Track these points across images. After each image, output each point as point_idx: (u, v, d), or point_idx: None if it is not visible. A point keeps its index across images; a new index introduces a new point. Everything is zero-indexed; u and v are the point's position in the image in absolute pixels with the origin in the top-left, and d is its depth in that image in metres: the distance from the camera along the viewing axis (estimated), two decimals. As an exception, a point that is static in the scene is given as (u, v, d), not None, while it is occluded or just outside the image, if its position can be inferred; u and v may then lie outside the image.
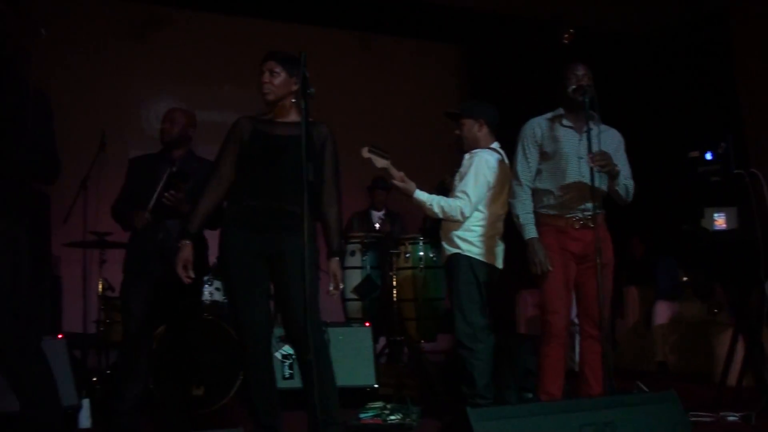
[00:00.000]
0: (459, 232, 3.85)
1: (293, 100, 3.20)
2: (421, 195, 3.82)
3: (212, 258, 4.07)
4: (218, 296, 4.85)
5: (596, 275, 3.35)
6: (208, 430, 2.37)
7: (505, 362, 3.99)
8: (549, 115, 3.66)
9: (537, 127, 3.63)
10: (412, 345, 5.10)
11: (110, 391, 4.79)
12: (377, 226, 6.08)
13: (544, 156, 3.59)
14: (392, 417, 4.00)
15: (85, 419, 4.14)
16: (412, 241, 5.17)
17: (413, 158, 5.63)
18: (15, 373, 2.62)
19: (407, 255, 5.13)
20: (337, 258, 3.24)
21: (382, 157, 3.75)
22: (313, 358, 2.80)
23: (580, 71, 3.54)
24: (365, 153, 3.72)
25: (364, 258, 5.01)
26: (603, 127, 3.59)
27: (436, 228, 4.07)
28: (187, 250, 3.17)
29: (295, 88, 3.16)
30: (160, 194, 3.71)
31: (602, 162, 3.35)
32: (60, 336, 4.32)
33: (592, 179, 3.38)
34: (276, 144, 3.11)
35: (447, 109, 4.16)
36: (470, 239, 3.84)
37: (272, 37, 7.39)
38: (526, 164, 3.61)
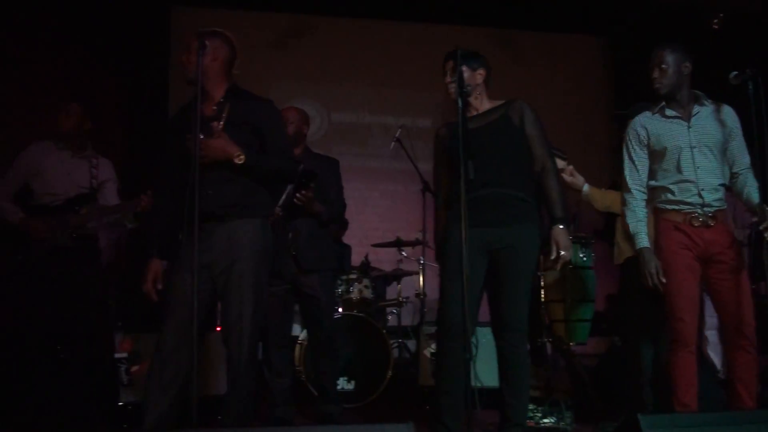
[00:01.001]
0: None
1: (479, 93, 3.26)
2: (590, 189, 3.75)
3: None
4: (367, 293, 4.95)
5: (729, 280, 3.18)
6: (376, 423, 2.39)
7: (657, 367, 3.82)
8: (651, 110, 3.42)
9: (640, 127, 3.39)
10: (562, 347, 4.97)
11: (262, 383, 5.02)
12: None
13: (654, 155, 3.36)
14: (545, 420, 3.93)
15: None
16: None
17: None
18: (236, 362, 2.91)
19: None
20: (560, 226, 3.12)
21: (561, 158, 3.71)
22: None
23: (654, 59, 3.32)
24: None
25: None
26: (713, 105, 3.33)
27: (611, 227, 3.95)
28: None
29: (480, 81, 3.24)
30: (291, 194, 3.82)
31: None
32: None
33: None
34: (476, 136, 3.12)
35: (593, 104, 4.07)
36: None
37: (409, 39, 7.46)
38: (635, 170, 3.39)
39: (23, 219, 3.84)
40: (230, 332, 2.92)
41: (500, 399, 3.13)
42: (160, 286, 2.95)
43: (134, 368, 4.13)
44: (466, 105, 3.18)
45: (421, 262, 5.32)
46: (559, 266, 3.14)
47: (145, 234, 3.19)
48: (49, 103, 5.73)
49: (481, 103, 3.28)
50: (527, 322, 3.13)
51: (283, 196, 3.88)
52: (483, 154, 3.02)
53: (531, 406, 4.15)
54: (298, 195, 3.73)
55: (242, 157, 2.88)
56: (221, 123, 2.96)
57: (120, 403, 4.12)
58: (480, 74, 3.24)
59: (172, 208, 2.98)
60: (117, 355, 4.14)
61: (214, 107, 3.02)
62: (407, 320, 5.67)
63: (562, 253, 3.09)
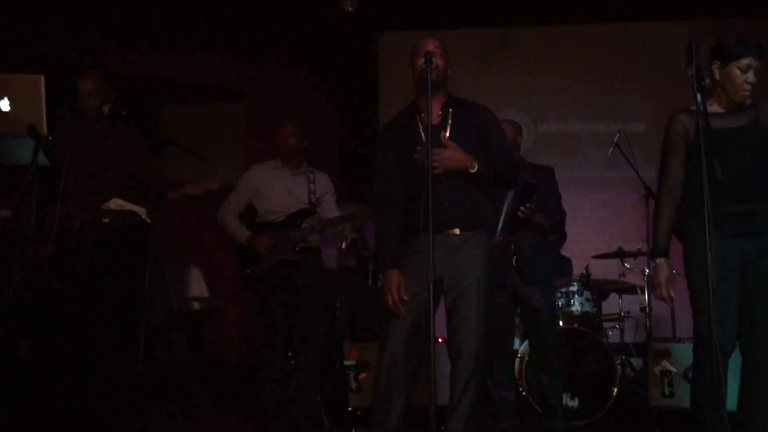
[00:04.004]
0: None
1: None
2: None
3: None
4: (588, 307, 4.78)
5: None
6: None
7: None
8: None
9: None
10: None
11: (485, 395, 5.01)
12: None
13: None
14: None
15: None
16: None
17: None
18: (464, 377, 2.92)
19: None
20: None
21: None
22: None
23: None
24: None
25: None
26: None
27: None
28: (664, 269, 3.00)
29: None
30: (514, 207, 3.74)
31: None
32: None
33: None
34: (725, 138, 2.84)
35: None
36: None
37: (613, 41, 7.12)
38: None
39: (250, 236, 4.09)
40: (461, 347, 2.89)
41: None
42: (405, 297, 2.89)
43: (362, 376, 4.30)
44: (704, 99, 2.89)
45: (646, 273, 5.03)
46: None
47: (378, 247, 3.18)
48: (271, 125, 6.20)
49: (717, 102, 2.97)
50: None
51: (504, 210, 3.85)
52: (736, 160, 2.77)
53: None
54: (521, 208, 3.67)
55: (476, 165, 2.86)
56: (447, 132, 2.96)
57: (349, 408, 4.32)
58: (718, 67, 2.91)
59: (396, 219, 3.00)
60: (346, 363, 4.32)
61: (440, 113, 3.01)
62: (628, 336, 5.39)
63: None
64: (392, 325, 2.92)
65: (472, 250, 2.92)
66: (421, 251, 2.80)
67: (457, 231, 2.93)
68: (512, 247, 3.84)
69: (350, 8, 5.64)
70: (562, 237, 4.43)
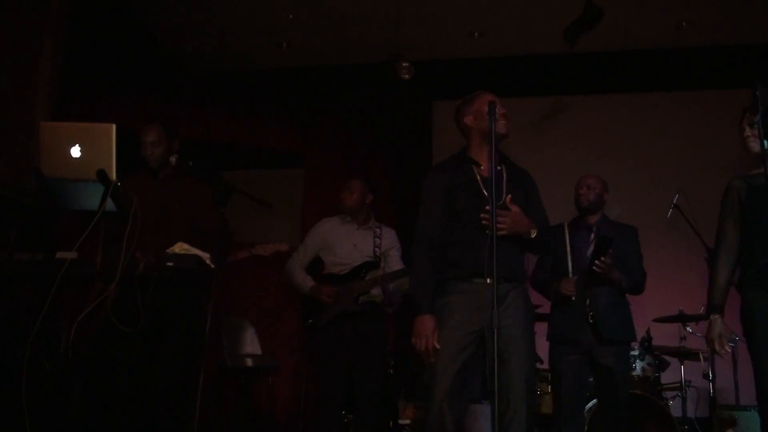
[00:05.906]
0: None
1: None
2: None
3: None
4: (649, 372, 4.63)
5: None
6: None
7: None
8: None
9: None
10: None
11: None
12: None
13: None
14: None
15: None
16: None
17: None
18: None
19: None
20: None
21: None
22: None
23: None
24: None
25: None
26: None
27: None
28: (718, 324, 3.11)
29: None
30: (590, 261, 3.69)
31: None
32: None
33: None
34: None
35: None
36: None
37: (667, 108, 7.12)
38: None
39: (313, 286, 4.17)
40: (511, 401, 2.79)
41: None
42: (438, 345, 2.83)
43: (417, 436, 4.20)
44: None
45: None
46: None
47: (416, 289, 3.06)
48: (327, 189, 6.31)
49: None
50: None
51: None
52: None
53: None
54: (597, 262, 3.63)
55: (534, 231, 2.87)
56: (503, 190, 2.94)
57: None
58: None
59: (434, 263, 2.94)
60: (400, 422, 4.24)
61: (499, 167, 2.99)
62: (690, 406, 5.14)
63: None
64: (437, 379, 2.85)
65: (516, 302, 2.87)
66: (467, 300, 2.83)
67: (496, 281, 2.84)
68: (587, 302, 3.77)
69: (406, 76, 5.78)
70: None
